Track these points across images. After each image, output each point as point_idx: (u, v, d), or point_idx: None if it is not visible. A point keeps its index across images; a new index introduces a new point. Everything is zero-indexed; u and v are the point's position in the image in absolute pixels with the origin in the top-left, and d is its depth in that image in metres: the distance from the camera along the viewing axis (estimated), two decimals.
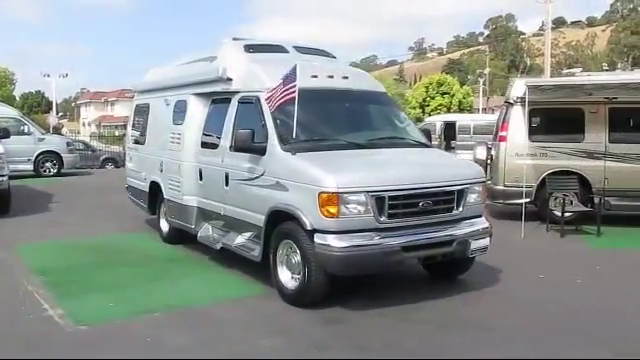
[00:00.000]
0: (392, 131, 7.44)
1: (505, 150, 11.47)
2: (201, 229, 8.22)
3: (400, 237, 5.98)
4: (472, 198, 6.53)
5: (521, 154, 11.31)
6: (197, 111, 8.32)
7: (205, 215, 8.19)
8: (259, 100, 6.94)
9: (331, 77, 7.40)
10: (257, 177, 6.73)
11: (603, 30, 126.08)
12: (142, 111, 10.39)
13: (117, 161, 27.52)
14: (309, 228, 5.86)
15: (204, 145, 8.10)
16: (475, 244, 6.40)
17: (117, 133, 53.96)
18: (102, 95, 77.47)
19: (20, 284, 7.02)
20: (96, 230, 10.43)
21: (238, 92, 7.48)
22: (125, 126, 52.49)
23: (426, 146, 7.36)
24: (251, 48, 8.00)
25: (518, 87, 11.56)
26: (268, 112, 6.74)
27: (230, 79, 7.57)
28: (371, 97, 7.73)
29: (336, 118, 7.26)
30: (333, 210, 5.73)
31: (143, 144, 10.09)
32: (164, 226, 9.55)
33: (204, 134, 8.15)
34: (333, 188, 5.73)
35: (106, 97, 75.92)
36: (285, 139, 6.53)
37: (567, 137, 11.31)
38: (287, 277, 6.34)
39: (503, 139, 11.61)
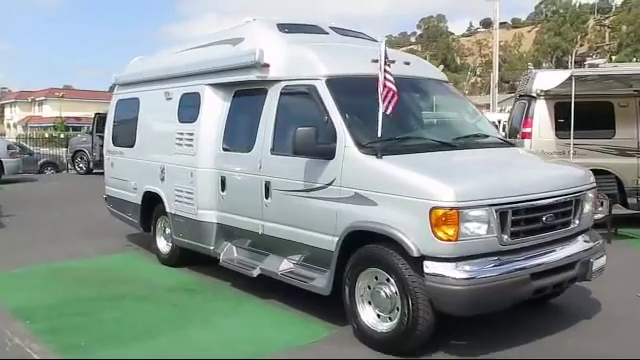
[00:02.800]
0: (472, 127, 6.14)
1: (530, 148, 10.44)
2: (223, 251, 6.68)
3: (525, 261, 4.69)
4: (587, 207, 5.34)
5: (548, 152, 10.30)
6: (216, 106, 6.75)
7: (228, 234, 6.66)
8: (316, 90, 5.49)
9: (392, 62, 6.03)
10: (321, 187, 5.28)
11: (529, 31, 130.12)
12: (127, 107, 8.68)
13: (58, 165, 25.01)
14: (416, 255, 4.48)
15: (228, 148, 6.56)
16: (596, 264, 5.21)
17: (47, 135, 50.32)
18: (28, 94, 72.31)
19: (1, 335, 5.30)
20: (73, 251, 8.61)
21: (279, 81, 5.99)
22: (56, 127, 49.09)
23: (512, 145, 6.12)
24: (286, 28, 6.52)
25: (542, 79, 10.57)
26: (333, 104, 5.31)
27: (267, 65, 6.06)
28: (437, 87, 6.43)
29: (407, 112, 5.89)
30: (451, 231, 4.37)
31: (131, 146, 8.38)
32: (163, 246, 7.92)
33: (227, 134, 6.61)
34: (451, 202, 4.37)
35: (33, 96, 71.06)
36: (360, 138, 5.12)
37: (596, 133, 10.39)
38: (372, 316, 4.93)
39: (527, 136, 10.58)
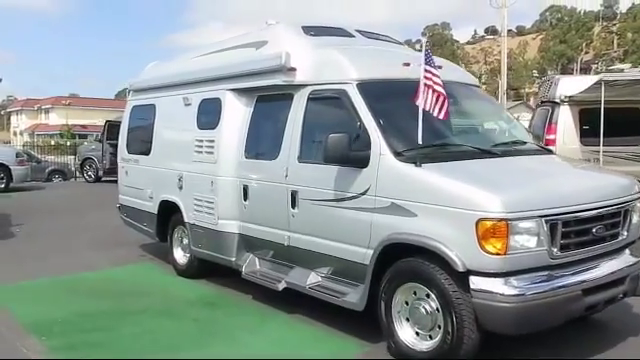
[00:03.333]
0: (508, 134, 5.86)
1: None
2: (246, 263, 6.40)
3: (576, 276, 4.39)
4: (635, 218, 5.04)
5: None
6: (237, 111, 6.49)
7: (250, 245, 6.38)
8: (347, 94, 5.22)
9: (440, 67, 5.76)
10: (354, 197, 5.00)
11: (533, 38, 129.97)
12: (143, 114, 8.42)
13: (65, 173, 24.81)
14: (461, 269, 4.19)
15: (251, 155, 6.29)
16: None
17: (53, 142, 50.32)
18: (35, 102, 72.32)
19: (15, 352, 5.03)
20: (86, 262, 8.34)
21: (305, 85, 5.72)
22: (63, 135, 48.93)
23: (550, 152, 5.83)
24: (311, 31, 6.26)
25: (566, 85, 10.30)
26: (366, 109, 5.04)
27: (293, 69, 5.80)
28: (470, 91, 6.15)
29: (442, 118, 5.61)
30: (499, 244, 4.08)
31: (147, 154, 8.12)
32: (180, 256, 7.65)
33: (249, 141, 6.34)
34: (500, 212, 4.08)
35: (40, 104, 71.08)
36: (396, 146, 4.84)
37: (623, 140, 10.09)
38: (410, 334, 4.64)
39: (551, 143, 10.24)
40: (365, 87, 5.20)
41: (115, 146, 19.52)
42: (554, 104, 10.47)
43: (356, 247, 5.00)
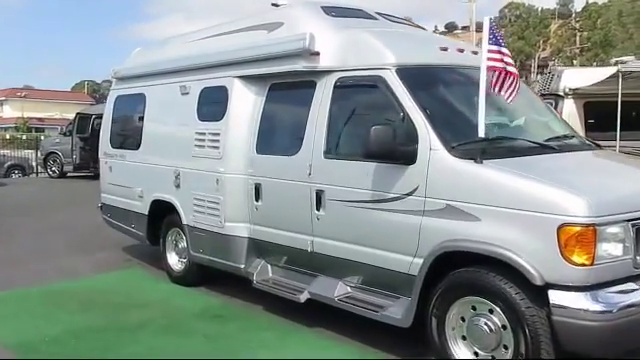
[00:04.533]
0: (556, 126, 5.33)
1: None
2: (257, 270, 5.74)
3: None
4: None
5: None
6: (247, 101, 5.80)
7: (263, 250, 5.73)
8: (384, 81, 4.61)
9: (461, 51, 5.23)
10: (398, 198, 4.40)
11: None
12: (129, 104, 7.65)
13: (25, 168, 23.47)
14: (539, 283, 3.64)
15: (264, 150, 5.62)
16: None
17: (8, 136, 48.17)
18: None
19: None
20: (67, 268, 7.53)
21: (331, 72, 5.08)
22: (18, 128, 46.75)
23: (599, 146, 5.35)
24: (332, 11, 5.61)
25: (570, 77, 9.90)
26: (409, 98, 4.43)
27: (317, 53, 5.14)
28: None
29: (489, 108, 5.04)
30: (586, 253, 3.54)
31: (135, 149, 7.34)
32: (174, 262, 6.93)
33: (262, 134, 5.67)
34: (587, 217, 3.54)
35: None
36: (449, 139, 4.26)
37: (629, 134, 9.74)
38: (467, 355, 4.08)
39: None
40: (405, 73, 4.60)
41: (86, 139, 18.80)
42: (557, 97, 10.04)
43: (399, 255, 4.41)
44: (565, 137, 5.07)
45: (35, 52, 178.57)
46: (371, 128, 4.26)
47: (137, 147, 7.30)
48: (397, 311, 4.42)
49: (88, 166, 18.60)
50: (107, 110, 8.16)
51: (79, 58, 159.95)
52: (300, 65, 5.19)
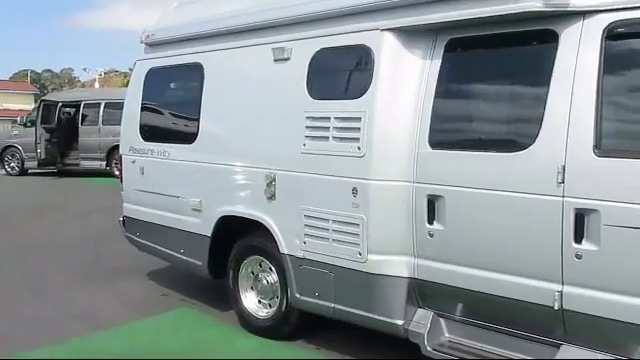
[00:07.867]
0: None
1: None
2: (427, 329, 3.70)
3: None
4: None
5: None
6: (409, 67, 3.72)
7: (431, 297, 3.71)
8: None
9: None
10: None
11: None
12: (173, 79, 5.56)
13: None
14: None
15: (446, 143, 3.58)
16: None
17: None
18: None
19: None
20: (87, 310, 5.34)
21: (594, 12, 3.07)
22: None
23: None
24: None
25: None
26: None
27: None
28: None
29: None
30: None
31: (187, 142, 5.16)
32: (253, 304, 4.82)
33: (439, 119, 3.61)
34: None
35: None
36: None
37: None
38: None
39: None
40: None
41: (52, 131, 16.15)
42: None
43: None
44: None
45: None
46: None
47: (190, 140, 5.11)
48: None
49: (55, 161, 16.15)
50: (133, 89, 5.87)
51: (18, 48, 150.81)
52: (538, 2, 3.14)
